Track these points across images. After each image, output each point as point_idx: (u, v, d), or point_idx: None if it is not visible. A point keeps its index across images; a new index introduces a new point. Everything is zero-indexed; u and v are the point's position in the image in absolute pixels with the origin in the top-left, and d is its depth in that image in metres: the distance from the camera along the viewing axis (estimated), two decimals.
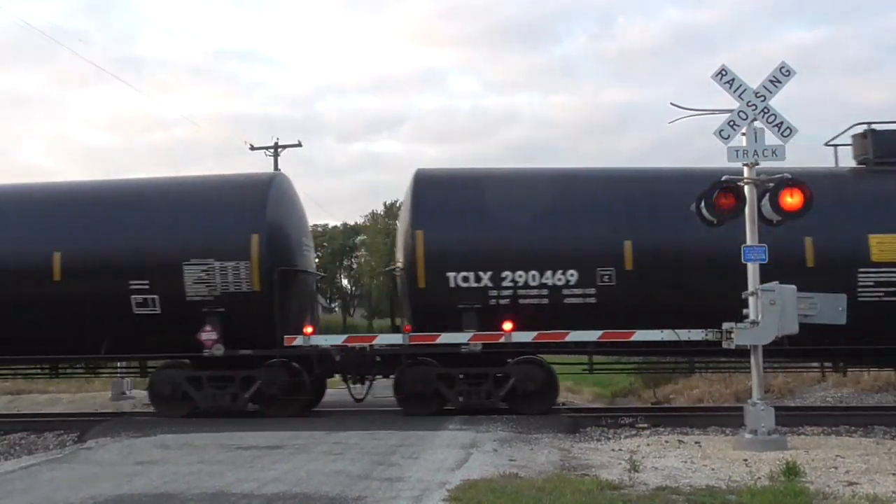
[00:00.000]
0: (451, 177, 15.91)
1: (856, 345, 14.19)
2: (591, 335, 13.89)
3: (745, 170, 11.28)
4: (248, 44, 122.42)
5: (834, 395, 19.25)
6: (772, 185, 11.13)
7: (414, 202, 14.98)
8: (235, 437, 11.84)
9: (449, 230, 14.62)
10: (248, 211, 15.01)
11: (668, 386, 23.16)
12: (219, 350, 14.36)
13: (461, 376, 14.49)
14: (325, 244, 65.53)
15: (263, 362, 14.65)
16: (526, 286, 14.35)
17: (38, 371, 17.09)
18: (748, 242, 11.17)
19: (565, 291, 14.29)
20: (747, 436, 10.86)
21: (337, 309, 60.34)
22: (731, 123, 11.27)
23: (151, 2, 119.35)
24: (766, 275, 11.27)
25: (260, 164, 42.04)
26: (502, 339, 14.06)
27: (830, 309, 11.50)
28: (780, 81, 11.28)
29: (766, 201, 11.18)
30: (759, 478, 8.34)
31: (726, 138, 11.28)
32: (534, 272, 14.31)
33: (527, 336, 14.12)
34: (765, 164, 11.37)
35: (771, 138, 11.22)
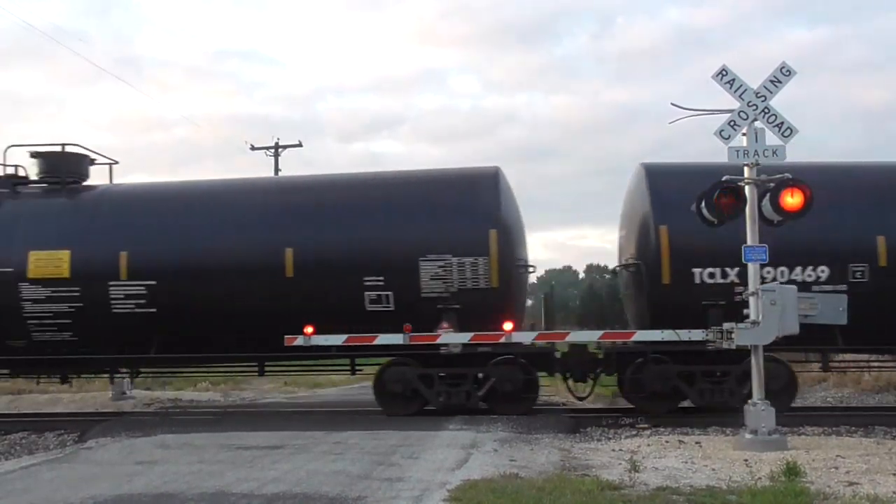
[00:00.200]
0: (686, 170, 15.40)
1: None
2: (592, 335, 13.88)
3: (746, 170, 11.28)
4: (248, 44, 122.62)
5: (834, 396, 19.26)
6: (772, 185, 11.14)
7: (653, 197, 14.69)
8: (235, 436, 11.85)
9: (693, 224, 14.54)
10: (483, 206, 14.85)
11: None
12: (456, 347, 14.07)
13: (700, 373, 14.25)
14: None
15: (489, 360, 14.37)
16: (774, 282, 13.99)
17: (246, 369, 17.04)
18: (748, 242, 11.17)
19: (815, 288, 13.88)
20: (748, 436, 10.86)
21: None
22: (732, 123, 11.26)
23: (151, 2, 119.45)
24: None
25: (260, 164, 42.08)
26: (503, 339, 14.05)
27: (831, 309, 11.49)
28: (780, 81, 11.28)
29: (766, 201, 11.18)
30: (760, 478, 8.34)
31: (727, 138, 11.27)
32: (783, 268, 14.07)
33: (527, 336, 14.11)
34: (765, 163, 11.36)
35: (771, 138, 11.22)
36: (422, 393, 14.46)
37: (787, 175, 11.16)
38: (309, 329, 14.43)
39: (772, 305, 10.96)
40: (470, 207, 14.91)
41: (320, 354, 15.22)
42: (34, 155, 16.42)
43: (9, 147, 16.52)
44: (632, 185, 15.76)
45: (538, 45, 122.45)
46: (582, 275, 71.94)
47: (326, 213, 15.23)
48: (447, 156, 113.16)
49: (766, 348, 12.60)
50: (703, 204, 11.40)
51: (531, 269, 16.09)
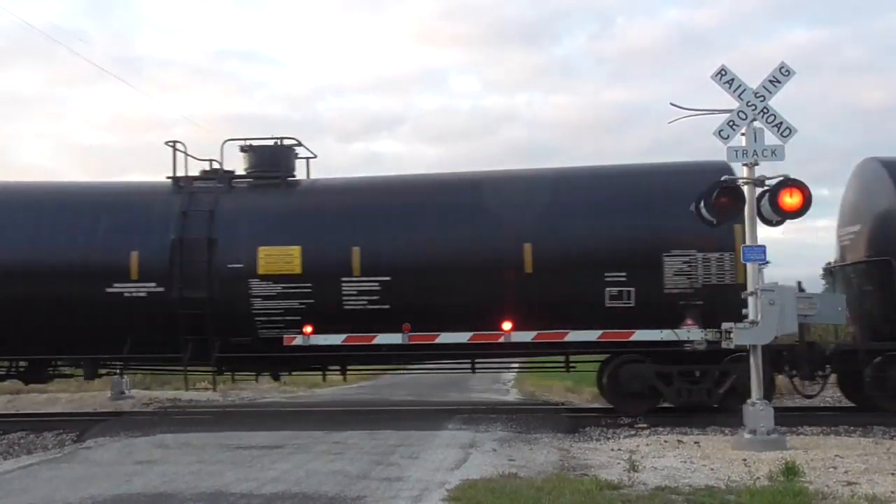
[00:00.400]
0: None
1: None
2: (591, 335, 13.86)
3: (745, 170, 11.30)
4: (248, 44, 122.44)
5: (833, 396, 19.25)
6: (771, 184, 11.15)
7: None
8: (234, 436, 11.85)
9: None
10: None
11: None
12: (701, 345, 13.53)
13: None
14: None
15: (723, 357, 13.97)
16: None
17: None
18: (747, 242, 11.19)
19: None
20: (746, 436, 10.87)
21: None
22: (731, 123, 11.27)
23: (151, 2, 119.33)
24: None
25: None
26: (501, 339, 14.04)
27: (830, 309, 11.51)
28: (779, 81, 11.29)
29: (765, 201, 11.19)
30: (759, 478, 8.35)
31: (726, 138, 11.29)
32: None
33: (526, 336, 14.10)
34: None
35: (770, 138, 11.23)
36: (660, 391, 14.24)
37: (786, 175, 11.18)
38: (308, 329, 14.41)
39: (770, 305, 10.97)
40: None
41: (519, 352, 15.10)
42: (245, 149, 15.85)
43: (226, 141, 15.88)
44: (862, 179, 15.43)
45: (538, 44, 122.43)
46: None
47: (564, 207, 14.84)
48: (448, 156, 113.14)
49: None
50: (701, 204, 11.41)
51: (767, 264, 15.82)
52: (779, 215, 11.19)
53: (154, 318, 14.58)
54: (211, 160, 16.00)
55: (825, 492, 7.74)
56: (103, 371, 16.67)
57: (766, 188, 11.17)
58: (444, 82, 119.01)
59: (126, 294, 14.62)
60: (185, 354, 14.60)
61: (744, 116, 11.24)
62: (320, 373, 16.58)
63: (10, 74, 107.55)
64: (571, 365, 15.64)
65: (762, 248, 11.14)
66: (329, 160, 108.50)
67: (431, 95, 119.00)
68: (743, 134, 11.25)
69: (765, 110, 11.22)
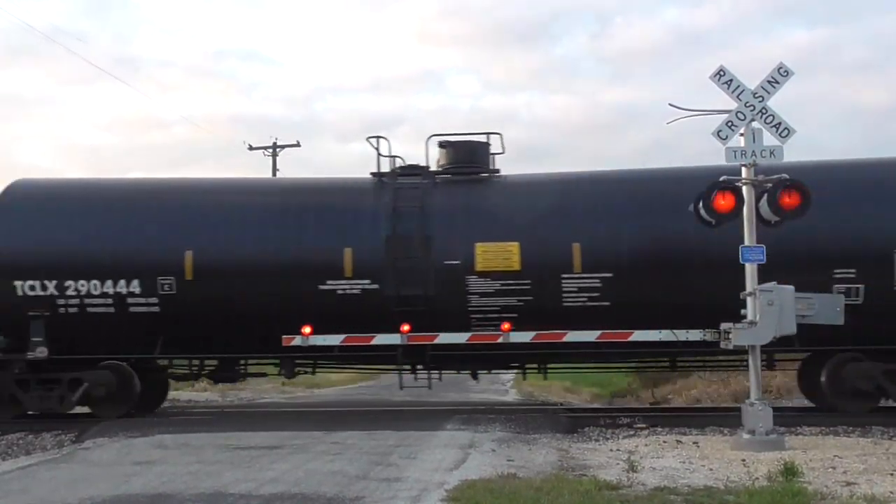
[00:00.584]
0: None
1: None
2: (590, 335, 13.85)
3: (744, 170, 11.31)
4: (247, 44, 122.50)
5: None
6: (770, 185, 11.16)
7: None
8: (233, 437, 11.85)
9: None
10: None
11: (667, 386, 23.19)
12: None
13: None
14: None
15: None
16: None
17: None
18: (746, 243, 11.20)
19: None
20: (745, 436, 10.87)
21: None
22: (730, 124, 11.27)
23: (151, 2, 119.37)
24: None
25: (258, 165, 42.08)
26: (500, 339, 14.04)
27: (829, 309, 11.51)
28: (778, 82, 11.29)
29: (764, 202, 11.20)
30: (757, 478, 8.35)
31: (724, 139, 11.29)
32: None
33: (525, 336, 14.10)
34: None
35: (769, 139, 11.24)
36: (887, 391, 14.03)
37: (785, 175, 11.19)
38: (307, 329, 14.40)
39: (769, 306, 10.98)
40: None
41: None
42: (444, 144, 15.61)
43: (430, 137, 15.56)
44: None
45: (537, 45, 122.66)
46: None
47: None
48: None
49: None
50: (700, 204, 11.41)
51: None
52: (778, 215, 11.20)
53: (367, 316, 14.31)
54: (394, 156, 15.69)
55: (824, 492, 7.74)
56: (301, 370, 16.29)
57: (764, 188, 11.20)
58: (443, 82, 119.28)
59: (339, 291, 14.51)
60: (399, 352, 14.34)
61: (742, 117, 11.25)
62: (520, 370, 16.55)
63: (10, 75, 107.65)
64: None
65: (761, 248, 11.15)
66: (328, 160, 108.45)
67: (431, 95, 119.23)
68: (741, 134, 11.26)
69: (763, 111, 11.22)
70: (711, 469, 9.26)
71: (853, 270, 13.86)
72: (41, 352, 14.55)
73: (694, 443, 11.54)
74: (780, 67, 11.32)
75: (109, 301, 14.66)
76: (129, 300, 14.64)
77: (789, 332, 11.13)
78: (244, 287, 14.58)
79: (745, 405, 11.09)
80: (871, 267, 13.89)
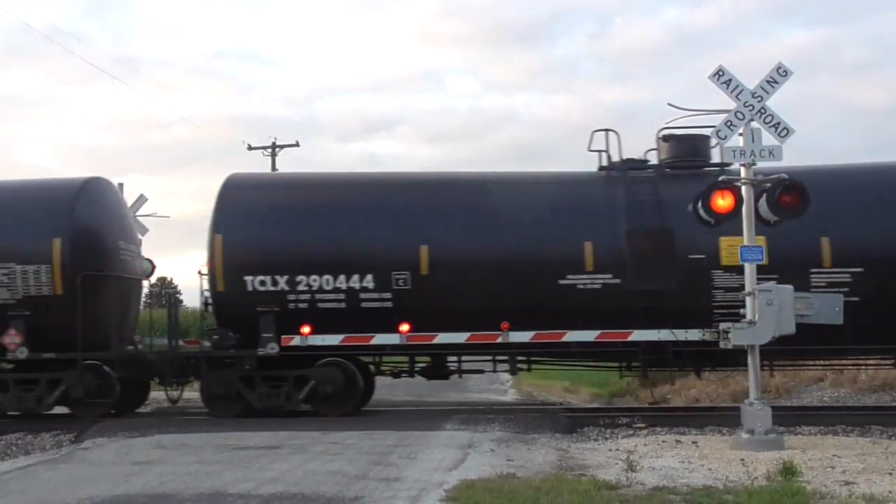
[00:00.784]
0: None
1: None
2: (589, 335, 13.87)
3: (743, 170, 11.31)
4: (246, 44, 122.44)
5: (831, 395, 19.26)
6: (769, 185, 11.16)
7: None
8: (233, 437, 11.84)
9: None
10: None
11: (666, 386, 23.13)
12: None
13: None
14: None
15: None
16: None
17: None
18: (745, 242, 11.21)
19: None
20: (744, 436, 10.88)
21: None
22: (729, 124, 11.29)
23: (150, 2, 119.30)
24: None
25: (257, 165, 42.06)
26: (499, 339, 14.05)
27: (828, 309, 11.51)
28: (777, 82, 11.31)
29: (763, 201, 11.21)
30: (756, 477, 8.35)
31: (724, 138, 11.31)
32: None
33: (524, 336, 14.10)
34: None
35: (768, 139, 11.25)
36: None
37: (784, 175, 11.20)
38: (306, 329, 14.40)
39: (768, 305, 10.98)
40: None
41: None
42: (667, 138, 15.28)
43: (662, 129, 15.10)
44: None
45: (537, 45, 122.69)
46: None
47: None
48: (446, 156, 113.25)
49: None
50: (699, 204, 11.42)
51: None
52: (777, 215, 11.21)
53: (605, 311, 14.10)
54: (601, 151, 15.38)
55: (823, 491, 7.74)
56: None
57: (763, 188, 11.20)
58: (442, 82, 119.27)
59: (580, 286, 14.25)
60: (639, 349, 14.15)
61: (741, 117, 11.25)
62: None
63: (10, 75, 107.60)
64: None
65: (760, 248, 11.16)
66: (328, 161, 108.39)
67: (430, 96, 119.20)
68: (741, 134, 11.26)
69: (762, 111, 11.23)
70: (710, 469, 9.27)
71: None
72: (272, 348, 14.31)
73: (693, 442, 11.54)
74: (779, 67, 11.33)
75: (341, 296, 14.49)
76: (362, 295, 14.48)
77: (788, 332, 11.13)
78: (480, 282, 14.35)
79: (745, 405, 11.10)
80: None
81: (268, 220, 15.00)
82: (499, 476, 8.58)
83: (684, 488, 7.96)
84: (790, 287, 11.22)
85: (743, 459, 9.78)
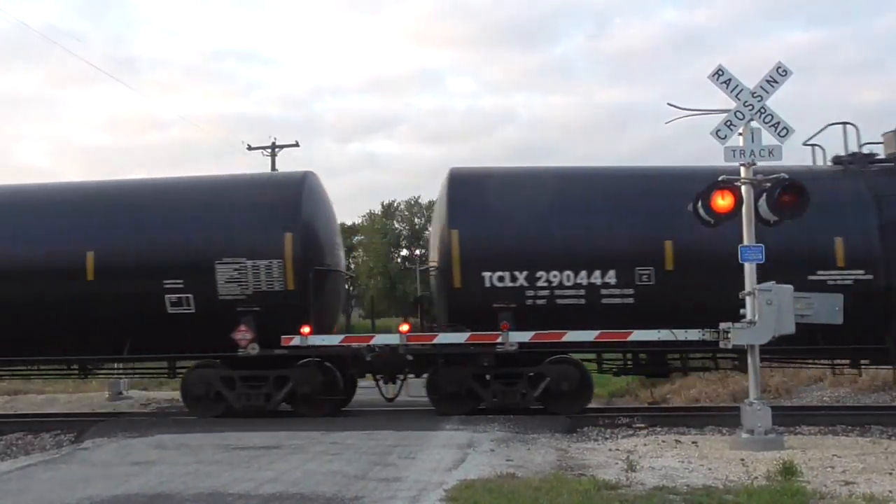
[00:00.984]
0: None
1: None
2: (588, 335, 13.85)
3: (742, 170, 11.31)
4: (245, 44, 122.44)
5: (831, 395, 19.28)
6: (769, 185, 11.16)
7: None
8: (232, 437, 11.84)
9: None
10: None
11: (665, 386, 23.16)
12: None
13: None
14: None
15: None
16: None
17: None
18: (745, 242, 11.20)
19: None
20: (744, 435, 10.87)
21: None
22: (728, 123, 11.27)
23: (148, 2, 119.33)
24: None
25: (257, 165, 42.04)
26: (499, 339, 14.04)
27: (827, 309, 11.51)
28: (776, 81, 11.30)
29: (762, 201, 11.20)
30: (756, 477, 8.35)
31: (723, 138, 11.29)
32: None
33: (524, 336, 14.10)
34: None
35: (768, 138, 11.25)
36: None
37: (784, 175, 11.19)
38: (305, 329, 14.39)
39: (768, 305, 10.98)
40: None
41: None
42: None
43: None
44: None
45: (535, 45, 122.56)
46: None
47: None
48: (445, 156, 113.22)
49: None
50: (699, 204, 11.41)
51: None
52: (777, 215, 11.21)
53: (855, 307, 13.47)
54: (814, 145, 15.24)
55: (823, 491, 7.74)
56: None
57: (763, 188, 11.20)
58: (441, 83, 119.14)
59: (829, 282, 13.84)
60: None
61: (741, 116, 11.24)
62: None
63: (8, 76, 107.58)
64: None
65: (760, 248, 11.15)
66: (328, 161, 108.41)
67: (428, 96, 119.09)
68: (740, 134, 11.26)
69: (762, 110, 11.23)
70: (710, 468, 9.26)
71: None
72: (512, 345, 14.04)
73: (693, 442, 11.54)
74: (779, 67, 11.32)
75: (581, 292, 14.27)
76: (603, 291, 14.25)
77: (788, 332, 11.13)
78: (724, 278, 13.61)
79: (744, 405, 11.09)
80: None
81: (504, 214, 14.68)
82: (498, 476, 8.58)
83: (684, 488, 7.95)
84: (790, 287, 11.21)
85: (743, 459, 9.78)
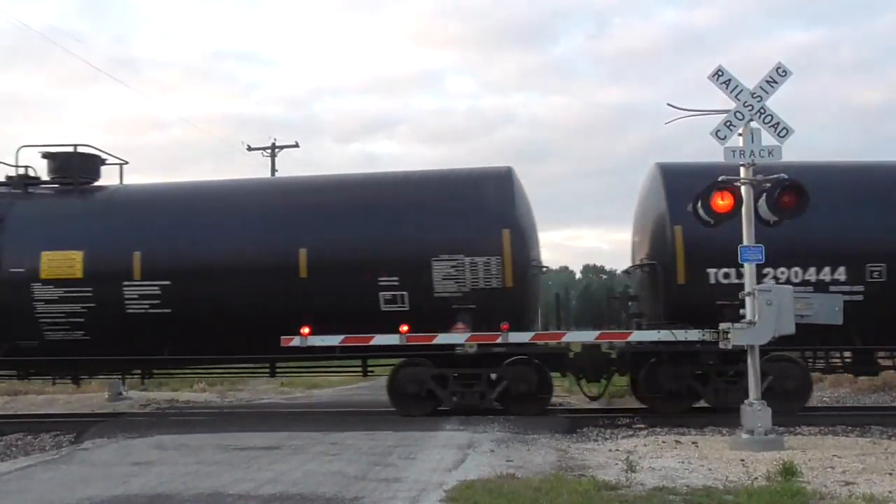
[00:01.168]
0: None
1: None
2: (589, 335, 13.85)
3: (742, 170, 11.31)
4: (245, 45, 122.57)
5: (831, 395, 19.29)
6: (769, 185, 11.16)
7: None
8: (232, 437, 11.85)
9: None
10: None
11: None
12: None
13: None
14: None
15: None
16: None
17: None
18: (745, 243, 11.20)
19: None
20: (744, 436, 10.87)
21: None
22: (728, 124, 11.27)
23: (149, 3, 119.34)
24: None
25: (257, 165, 42.05)
26: (499, 339, 14.04)
27: (827, 309, 11.51)
28: (776, 82, 11.29)
29: (762, 201, 11.20)
30: (756, 478, 8.35)
31: (723, 139, 11.28)
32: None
33: (523, 336, 14.10)
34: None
35: (768, 138, 11.24)
36: None
37: (783, 175, 11.19)
38: (305, 329, 14.35)
39: (768, 305, 10.98)
40: None
41: None
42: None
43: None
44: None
45: (535, 45, 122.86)
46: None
47: None
48: (445, 156, 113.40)
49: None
50: (699, 204, 11.42)
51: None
52: (777, 215, 11.21)
53: None
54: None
55: (823, 492, 7.74)
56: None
57: (763, 188, 11.20)
58: (441, 83, 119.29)
59: None
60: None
61: (741, 117, 11.24)
62: None
63: (9, 76, 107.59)
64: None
65: (760, 248, 11.15)
66: (327, 161, 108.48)
67: (428, 96, 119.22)
68: (740, 134, 11.26)
69: (762, 111, 11.22)
70: (710, 469, 9.26)
71: None
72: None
73: (693, 443, 11.54)
74: (779, 67, 11.32)
75: (809, 289, 13.73)
76: (832, 288, 13.83)
77: (788, 332, 11.13)
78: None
79: (744, 405, 11.09)
80: None
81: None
82: (498, 476, 8.58)
83: (684, 489, 7.95)
84: (790, 287, 11.21)
85: (743, 460, 9.78)
